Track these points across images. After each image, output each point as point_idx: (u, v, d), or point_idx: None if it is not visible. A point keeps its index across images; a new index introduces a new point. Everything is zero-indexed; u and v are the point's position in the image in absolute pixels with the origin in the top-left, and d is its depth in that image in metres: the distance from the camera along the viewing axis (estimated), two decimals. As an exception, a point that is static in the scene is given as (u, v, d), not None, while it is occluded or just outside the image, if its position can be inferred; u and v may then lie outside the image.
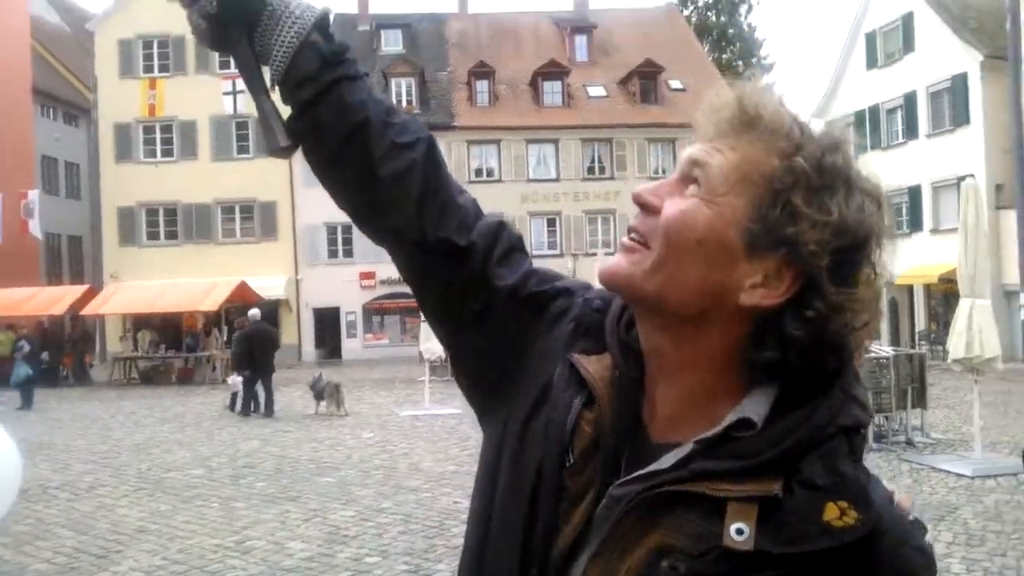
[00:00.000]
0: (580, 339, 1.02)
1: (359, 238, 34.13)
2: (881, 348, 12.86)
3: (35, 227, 29.52)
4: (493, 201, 31.31)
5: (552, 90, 35.10)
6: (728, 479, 0.84)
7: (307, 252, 32.76)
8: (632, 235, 0.92)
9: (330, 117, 1.03)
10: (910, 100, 29.48)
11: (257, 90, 1.05)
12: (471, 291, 1.06)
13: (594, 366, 0.98)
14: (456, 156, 33.22)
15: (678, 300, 0.89)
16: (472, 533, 1.04)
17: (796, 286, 0.86)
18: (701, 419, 0.89)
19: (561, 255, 33.00)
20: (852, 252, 0.86)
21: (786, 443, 0.85)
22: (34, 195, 29.78)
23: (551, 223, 34.04)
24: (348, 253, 31.48)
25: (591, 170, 34.39)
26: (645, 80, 35.08)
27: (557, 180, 34.06)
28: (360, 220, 1.10)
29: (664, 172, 33.34)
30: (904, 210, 29.58)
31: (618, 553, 0.87)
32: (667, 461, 0.88)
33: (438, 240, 1.05)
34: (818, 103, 34.97)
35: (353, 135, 1.04)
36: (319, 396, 15.77)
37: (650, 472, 0.88)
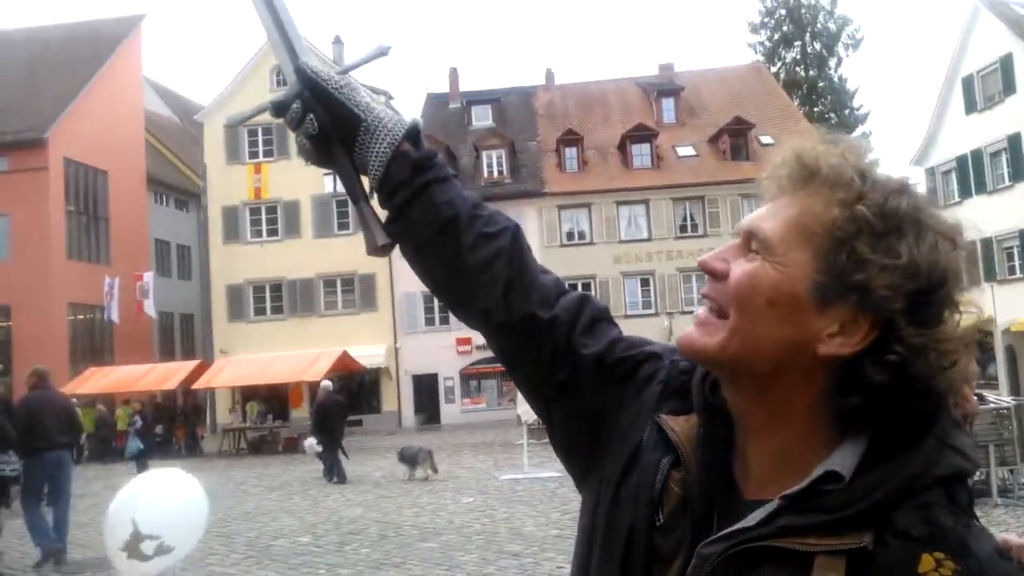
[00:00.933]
0: (668, 400, 1.04)
1: (455, 305, 34.69)
2: (1001, 398, 12.23)
3: (149, 307, 31.05)
4: (585, 263, 31.60)
5: (641, 152, 35.24)
6: (815, 533, 0.83)
7: (405, 321, 33.37)
8: (705, 302, 0.94)
9: (423, 217, 1.13)
10: (1014, 142, 28.44)
11: (357, 197, 1.16)
12: (558, 361, 1.10)
13: (681, 426, 0.99)
14: (547, 220, 33.56)
15: (756, 360, 0.90)
16: None
17: (874, 332, 0.86)
18: (792, 474, 0.88)
19: (656, 314, 32.71)
20: (928, 293, 0.85)
21: (876, 495, 0.83)
22: (149, 277, 31.41)
23: (644, 282, 33.83)
24: (444, 320, 31.90)
25: (683, 228, 34.17)
26: (735, 137, 34.91)
27: (649, 240, 33.92)
28: (452, 304, 1.19)
29: (759, 227, 33.22)
30: (1016, 254, 28.30)
31: None
32: (755, 518, 0.87)
33: (523, 317, 1.11)
34: (917, 150, 34.08)
35: (443, 230, 1.13)
36: (412, 464, 16.11)
37: (737, 530, 0.88)
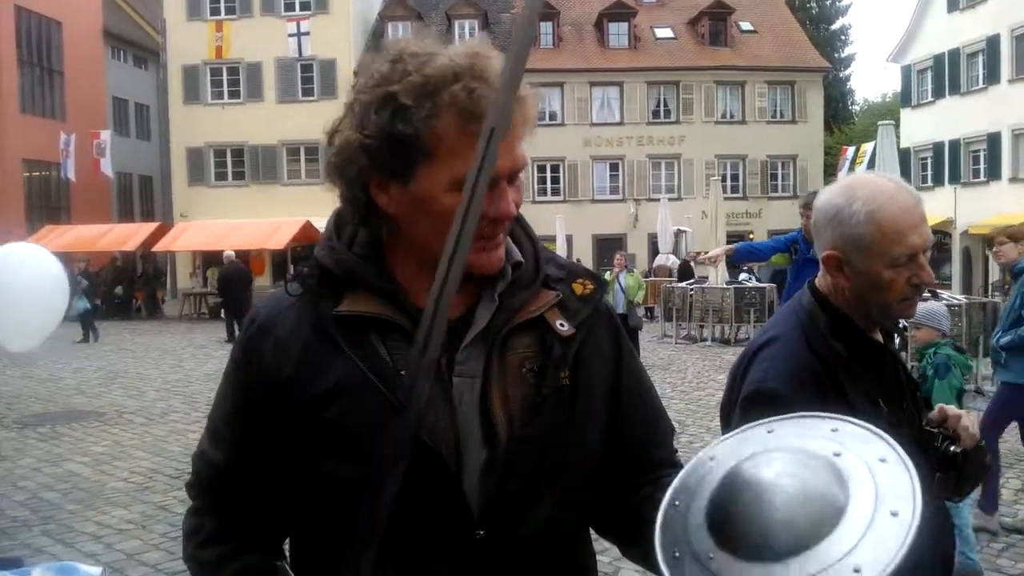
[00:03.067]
0: (324, 301, 1.16)
1: (421, 180, 34.45)
2: (953, 296, 12.52)
3: (106, 166, 30.24)
4: (555, 145, 31.31)
5: (618, 32, 34.38)
6: (530, 303, 1.19)
7: (369, 194, 33.00)
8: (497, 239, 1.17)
9: None
10: (992, 43, 28.16)
11: None
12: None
13: (355, 304, 1.15)
14: (519, 99, 32.88)
15: None
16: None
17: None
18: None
19: (623, 200, 32.71)
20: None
21: (538, 266, 1.24)
22: (106, 135, 30.45)
23: (614, 167, 33.61)
24: (410, 195, 31.42)
25: (656, 114, 33.72)
26: (715, 21, 34.11)
27: (621, 124, 33.49)
28: None
29: (732, 116, 32.63)
30: (982, 158, 28.46)
31: (500, 385, 1.15)
32: (483, 319, 1.17)
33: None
34: (895, 46, 33.71)
35: None
36: None
37: (482, 331, 1.16)
